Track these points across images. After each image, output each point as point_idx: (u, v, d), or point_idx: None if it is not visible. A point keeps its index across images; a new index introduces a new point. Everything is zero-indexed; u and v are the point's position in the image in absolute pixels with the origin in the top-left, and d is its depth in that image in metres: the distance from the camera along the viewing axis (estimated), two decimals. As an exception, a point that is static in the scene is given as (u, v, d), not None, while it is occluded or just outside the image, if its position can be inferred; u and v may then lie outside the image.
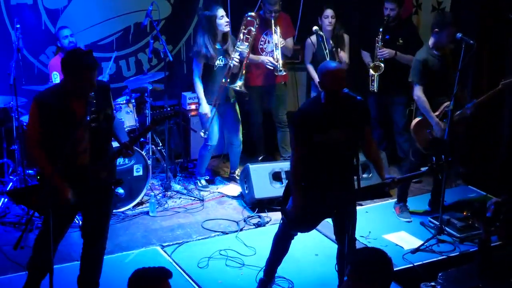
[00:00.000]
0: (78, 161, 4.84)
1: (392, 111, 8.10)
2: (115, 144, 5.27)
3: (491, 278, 4.76)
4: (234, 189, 7.72)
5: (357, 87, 7.56)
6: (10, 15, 7.42)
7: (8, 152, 7.29)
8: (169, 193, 7.55)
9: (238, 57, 7.31)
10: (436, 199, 6.94)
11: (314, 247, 6.30)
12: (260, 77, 7.90)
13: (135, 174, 7.14)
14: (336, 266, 5.36)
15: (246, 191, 7.31)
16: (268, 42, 7.88)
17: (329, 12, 7.76)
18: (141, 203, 7.24)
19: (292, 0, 8.88)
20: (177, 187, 7.72)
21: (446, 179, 6.67)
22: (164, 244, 6.45)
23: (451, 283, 5.45)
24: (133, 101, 7.52)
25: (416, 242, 6.47)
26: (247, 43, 7.41)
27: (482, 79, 7.99)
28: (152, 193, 7.33)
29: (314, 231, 6.18)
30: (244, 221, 6.97)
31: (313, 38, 7.83)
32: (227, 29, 7.28)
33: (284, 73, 7.84)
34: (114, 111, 7.08)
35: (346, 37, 8.02)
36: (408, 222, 6.93)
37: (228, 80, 7.35)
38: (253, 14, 7.46)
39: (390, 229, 6.78)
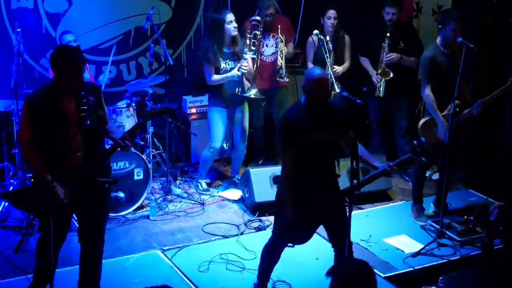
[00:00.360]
0: (71, 161, 4.84)
1: (394, 114, 8.10)
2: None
3: (493, 282, 4.76)
4: (234, 193, 7.72)
5: (356, 90, 7.59)
6: (11, 19, 7.43)
7: (9, 155, 7.29)
8: (169, 197, 7.55)
9: (246, 65, 7.29)
10: (440, 200, 6.91)
11: (315, 251, 6.29)
12: (264, 80, 7.89)
13: (135, 178, 7.14)
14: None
15: (247, 195, 7.31)
16: (266, 45, 7.89)
17: (331, 13, 7.78)
18: (141, 207, 7.24)
19: (292, 4, 8.90)
20: (177, 190, 7.71)
21: (448, 182, 6.68)
22: (165, 248, 6.45)
23: (452, 287, 5.44)
24: (134, 104, 7.52)
25: (416, 246, 6.47)
26: (254, 48, 7.40)
27: (482, 80, 8.00)
28: (153, 197, 7.33)
29: (314, 234, 6.18)
30: (245, 224, 6.97)
31: (315, 36, 7.84)
32: (235, 33, 7.28)
33: (288, 80, 7.84)
34: (115, 115, 7.17)
35: (347, 38, 8.03)
36: (424, 225, 6.92)
37: (239, 90, 7.35)
38: (258, 18, 7.45)
39: (391, 233, 6.78)
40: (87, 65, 7.60)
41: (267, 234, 6.49)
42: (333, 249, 5.38)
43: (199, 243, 6.59)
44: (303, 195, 5.06)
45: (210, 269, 6.09)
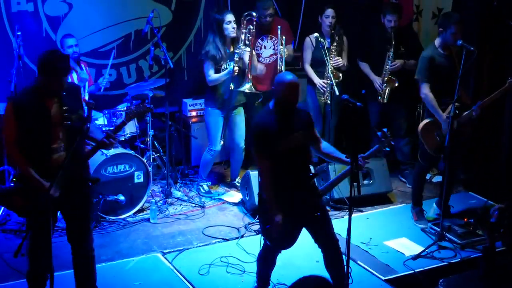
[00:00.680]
0: (54, 160, 4.90)
1: (394, 116, 8.10)
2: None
3: (495, 284, 4.76)
4: (235, 196, 7.72)
5: (355, 93, 7.59)
6: (11, 22, 7.43)
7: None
8: (170, 199, 7.55)
9: (237, 58, 7.30)
10: (443, 205, 6.91)
11: (315, 254, 6.25)
12: (262, 82, 7.89)
13: (136, 181, 7.14)
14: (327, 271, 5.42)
15: (247, 198, 7.31)
16: (264, 47, 7.89)
17: (330, 12, 7.78)
18: (142, 210, 7.24)
19: (292, 7, 8.90)
20: (178, 193, 7.72)
21: (450, 184, 6.68)
22: (165, 251, 6.45)
23: (452, 290, 5.46)
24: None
25: (417, 249, 6.46)
26: (248, 43, 7.41)
27: (482, 82, 8.00)
28: (153, 200, 7.33)
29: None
30: (245, 227, 6.97)
31: (312, 37, 7.84)
32: (233, 35, 7.30)
33: None
34: (115, 118, 7.16)
35: (345, 39, 8.04)
36: (425, 228, 6.92)
37: (233, 85, 7.35)
38: (252, 13, 7.44)
39: (391, 236, 6.77)
40: (87, 68, 7.64)
41: (261, 241, 6.51)
42: (320, 250, 5.38)
43: (200, 246, 6.59)
44: (282, 198, 5.08)
45: (210, 272, 6.09)
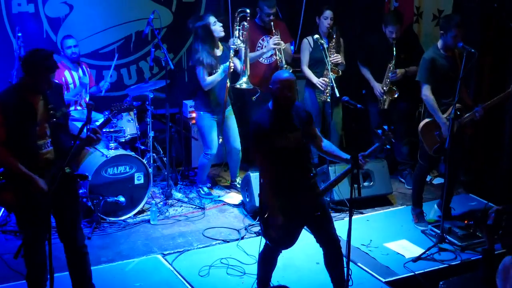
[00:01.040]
0: (42, 155, 4.93)
1: (395, 117, 8.10)
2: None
3: (495, 286, 4.75)
4: (235, 197, 7.72)
5: (356, 94, 7.61)
6: (12, 23, 7.44)
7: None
8: (170, 201, 7.55)
9: (232, 54, 7.29)
10: (445, 207, 6.91)
11: (315, 256, 6.26)
12: (261, 82, 7.90)
13: (136, 182, 7.14)
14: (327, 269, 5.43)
15: (247, 199, 7.31)
16: (265, 47, 7.88)
17: (328, 13, 7.79)
18: (142, 211, 7.24)
19: (293, 10, 8.91)
20: (178, 195, 7.72)
21: (451, 186, 6.68)
22: (165, 253, 6.44)
23: (452, 292, 5.46)
24: (134, 105, 7.51)
25: (417, 251, 6.46)
26: (242, 38, 7.41)
27: (483, 84, 8.00)
28: (153, 201, 7.33)
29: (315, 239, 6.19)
30: (245, 229, 6.97)
31: (310, 39, 7.85)
32: (222, 34, 7.34)
33: (290, 70, 7.80)
34: (115, 119, 7.17)
35: (341, 40, 8.04)
36: (425, 230, 6.92)
37: (228, 82, 7.35)
38: (246, 9, 7.43)
39: (391, 238, 6.77)
40: (88, 69, 7.65)
41: (261, 242, 6.51)
42: (321, 248, 5.38)
43: (200, 248, 6.59)
44: (282, 198, 5.08)
45: (210, 273, 6.09)
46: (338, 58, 7.77)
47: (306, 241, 5.52)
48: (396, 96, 7.82)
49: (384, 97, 7.87)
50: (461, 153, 6.87)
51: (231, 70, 7.26)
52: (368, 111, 8.10)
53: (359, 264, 6.22)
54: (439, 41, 6.74)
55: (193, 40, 7.44)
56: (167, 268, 6.16)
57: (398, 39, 7.73)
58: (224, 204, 7.62)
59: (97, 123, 6.65)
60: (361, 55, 8.12)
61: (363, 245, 6.58)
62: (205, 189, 7.81)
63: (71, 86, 7.35)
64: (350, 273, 5.17)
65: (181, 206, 7.51)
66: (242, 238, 6.78)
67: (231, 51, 7.27)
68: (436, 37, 7.05)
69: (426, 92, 6.66)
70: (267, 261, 5.48)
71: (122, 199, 6.99)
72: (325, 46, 7.68)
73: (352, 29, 8.36)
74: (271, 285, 5.62)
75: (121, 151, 7.12)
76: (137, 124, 7.56)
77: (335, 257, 5.31)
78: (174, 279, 5.98)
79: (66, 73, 7.36)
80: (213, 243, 6.70)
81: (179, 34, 8.41)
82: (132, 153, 7.24)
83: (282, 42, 7.68)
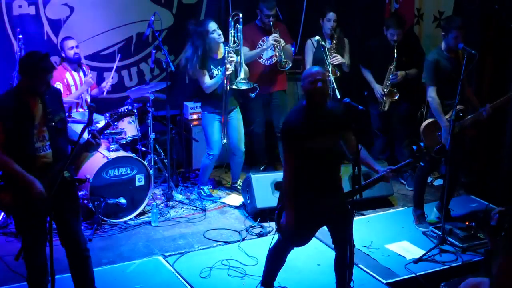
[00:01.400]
0: (39, 160, 4.93)
1: (395, 118, 8.10)
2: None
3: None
4: (236, 199, 7.72)
5: (357, 96, 7.61)
6: (13, 25, 7.44)
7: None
8: (171, 203, 7.55)
9: (231, 57, 7.27)
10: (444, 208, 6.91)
11: (316, 257, 6.29)
12: (262, 84, 7.90)
13: (137, 184, 7.14)
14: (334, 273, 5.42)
15: (248, 201, 7.31)
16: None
17: (331, 15, 7.82)
18: (143, 213, 7.24)
19: (294, 11, 8.91)
20: (179, 197, 7.72)
21: (451, 188, 6.67)
22: (166, 254, 6.44)
23: (453, 293, 5.45)
24: (135, 111, 7.52)
25: (418, 252, 6.46)
26: (237, 40, 7.39)
27: (484, 85, 8.00)
28: (154, 203, 7.33)
29: (316, 240, 6.19)
30: (246, 231, 6.96)
31: (314, 40, 7.86)
32: (221, 40, 7.33)
33: (290, 65, 7.81)
34: (116, 121, 7.15)
35: (346, 41, 8.05)
36: (426, 231, 6.91)
37: (228, 87, 7.36)
38: (239, 13, 7.41)
39: (392, 239, 6.77)
40: (89, 70, 7.65)
41: (268, 240, 6.49)
42: (335, 251, 5.37)
43: (201, 249, 6.59)
44: (306, 198, 5.06)
45: (211, 275, 6.08)
46: (337, 58, 7.78)
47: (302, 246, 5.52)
48: (396, 98, 7.82)
49: (385, 98, 7.87)
50: (462, 155, 6.87)
51: (229, 72, 7.26)
52: (369, 112, 8.10)
53: (360, 265, 6.21)
54: (442, 42, 6.75)
55: (187, 42, 7.43)
56: (168, 270, 6.16)
57: (399, 41, 7.73)
58: (225, 206, 7.62)
59: (98, 125, 6.68)
60: (362, 57, 8.13)
61: (364, 246, 6.58)
62: (206, 190, 7.81)
63: (73, 88, 7.35)
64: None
65: (182, 207, 7.51)
66: (243, 239, 6.77)
67: (231, 51, 7.27)
68: (437, 38, 7.07)
69: (432, 94, 6.67)
70: (276, 258, 5.47)
71: (123, 200, 6.99)
72: (326, 47, 7.70)
73: (352, 30, 8.36)
74: (275, 286, 5.63)
75: (122, 153, 7.12)
76: (138, 126, 7.56)
77: (343, 261, 5.24)
78: (175, 281, 5.98)
79: (67, 75, 7.35)
80: (214, 244, 6.69)
81: (180, 35, 8.40)
82: (133, 155, 7.24)
83: (281, 39, 7.69)
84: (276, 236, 5.37)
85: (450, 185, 6.75)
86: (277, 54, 7.71)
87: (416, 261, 6.30)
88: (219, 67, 7.36)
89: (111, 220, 6.99)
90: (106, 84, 7.61)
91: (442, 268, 6.23)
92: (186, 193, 7.89)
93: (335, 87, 7.53)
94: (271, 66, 7.94)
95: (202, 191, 7.80)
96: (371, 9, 8.76)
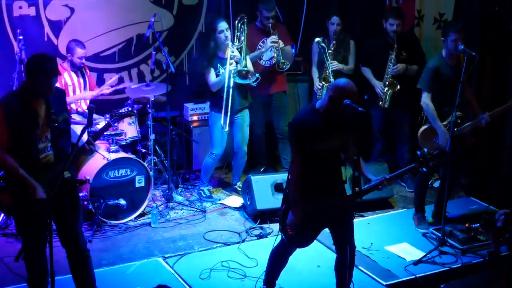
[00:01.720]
0: (41, 159, 4.93)
1: (397, 121, 8.10)
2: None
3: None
4: (236, 200, 7.72)
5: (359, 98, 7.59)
6: (13, 26, 7.45)
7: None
8: (171, 204, 7.55)
9: (236, 54, 7.31)
10: (439, 211, 6.93)
11: (316, 259, 6.29)
12: (262, 86, 7.91)
13: (137, 185, 7.14)
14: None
15: (248, 202, 7.30)
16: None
17: (335, 19, 7.84)
18: (143, 214, 7.24)
19: (294, 13, 8.92)
20: (179, 198, 7.71)
21: (449, 190, 6.67)
22: (166, 256, 6.44)
23: (453, 295, 5.45)
24: (135, 111, 7.52)
25: (418, 254, 6.45)
26: (239, 42, 7.43)
27: (484, 88, 8.00)
28: (154, 204, 7.32)
29: (316, 242, 6.18)
30: (246, 232, 6.96)
31: (315, 41, 7.86)
32: (226, 43, 7.32)
33: (288, 66, 7.80)
34: (116, 122, 7.16)
35: (352, 43, 8.06)
36: (426, 233, 6.91)
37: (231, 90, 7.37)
38: (244, 17, 7.46)
39: (392, 241, 6.76)
40: (89, 72, 7.65)
41: (268, 241, 6.52)
42: (336, 252, 5.37)
43: (201, 251, 6.59)
44: (310, 198, 5.06)
45: (211, 276, 6.09)
46: (334, 64, 7.78)
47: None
48: (398, 87, 7.73)
49: (385, 90, 7.82)
50: (461, 157, 6.87)
51: (231, 68, 7.26)
52: (371, 115, 8.09)
53: (360, 267, 6.21)
54: (443, 49, 6.75)
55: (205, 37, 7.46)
56: (168, 271, 6.16)
57: (400, 37, 7.72)
58: (225, 207, 7.62)
59: (98, 126, 6.68)
60: (362, 57, 8.13)
61: (364, 248, 6.57)
62: (206, 192, 7.80)
63: (70, 88, 7.32)
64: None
65: (182, 209, 7.51)
66: (243, 241, 6.77)
67: (236, 52, 7.29)
68: (437, 40, 7.06)
69: (426, 100, 6.67)
70: (279, 259, 5.47)
71: (123, 202, 6.98)
72: (327, 49, 7.70)
73: (352, 30, 8.36)
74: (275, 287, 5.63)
75: (122, 154, 7.12)
76: (138, 127, 7.56)
77: (344, 262, 5.24)
78: (175, 282, 5.97)
79: (66, 75, 7.33)
80: (214, 246, 6.69)
81: (180, 37, 8.42)
82: (133, 156, 7.24)
83: (280, 41, 7.69)
84: (279, 237, 5.37)
85: (449, 187, 6.73)
86: (275, 54, 7.72)
87: (416, 262, 6.30)
88: (226, 66, 7.37)
89: (111, 221, 6.99)
90: (110, 80, 7.60)
91: (442, 270, 6.23)
92: (186, 194, 7.89)
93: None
94: (271, 68, 7.94)
95: (202, 193, 7.80)
96: (371, 9, 8.76)
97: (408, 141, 8.07)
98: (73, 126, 6.74)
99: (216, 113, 7.51)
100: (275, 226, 6.91)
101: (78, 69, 7.42)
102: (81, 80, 7.45)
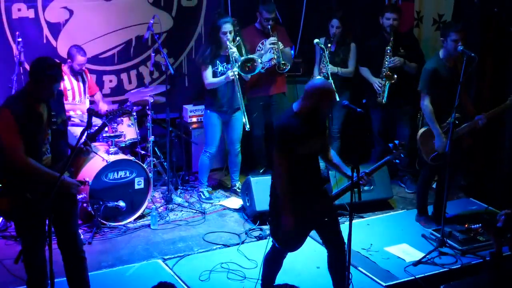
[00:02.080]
0: (42, 162, 4.92)
1: (397, 122, 8.09)
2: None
3: None
4: (235, 201, 7.72)
5: (358, 100, 7.60)
6: (12, 28, 7.45)
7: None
8: (170, 206, 7.55)
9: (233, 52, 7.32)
10: (438, 212, 6.93)
11: (316, 260, 6.28)
12: (261, 87, 7.90)
13: (136, 187, 7.14)
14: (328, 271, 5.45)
15: (248, 204, 7.30)
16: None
17: (335, 22, 7.85)
18: (142, 216, 7.24)
19: (293, 15, 8.92)
20: (178, 200, 7.71)
21: (448, 191, 6.67)
22: (166, 257, 6.44)
23: (453, 296, 5.45)
24: (135, 114, 7.53)
25: (418, 255, 6.45)
26: (234, 43, 7.43)
27: (484, 89, 8.00)
28: (154, 206, 7.33)
29: (315, 243, 6.20)
30: (246, 233, 6.96)
31: (315, 41, 7.87)
32: (226, 44, 7.31)
33: (288, 67, 7.80)
34: (116, 124, 7.17)
35: (353, 45, 8.06)
36: (432, 231, 6.91)
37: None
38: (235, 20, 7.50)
39: (392, 242, 6.76)
40: (89, 74, 7.65)
41: (268, 243, 6.52)
42: (326, 250, 5.40)
43: (200, 252, 6.59)
44: (296, 201, 5.08)
45: (211, 278, 6.09)
46: (329, 67, 7.77)
47: (307, 245, 5.51)
48: (395, 77, 7.69)
49: (383, 82, 7.80)
50: (459, 157, 6.87)
51: (231, 79, 7.28)
52: (370, 117, 8.09)
53: (359, 268, 6.21)
54: (441, 50, 6.74)
55: (207, 35, 7.49)
56: (167, 273, 6.16)
57: (398, 36, 7.73)
58: (224, 209, 7.62)
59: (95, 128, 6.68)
60: (361, 57, 8.12)
61: (364, 249, 6.57)
62: (206, 193, 7.81)
63: (69, 92, 7.32)
64: (350, 277, 5.18)
65: (181, 210, 7.51)
66: (243, 242, 6.77)
67: (235, 54, 7.31)
68: (436, 41, 7.05)
69: (426, 102, 6.67)
70: (272, 263, 5.48)
71: (122, 204, 6.98)
72: (325, 50, 7.71)
73: (352, 30, 8.37)
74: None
75: (121, 156, 7.12)
76: (137, 129, 7.56)
77: (337, 260, 5.32)
78: (175, 284, 5.95)
79: (65, 78, 7.33)
80: (213, 247, 6.69)
81: (179, 38, 8.42)
82: (133, 158, 7.24)
83: (280, 42, 7.70)
84: (270, 242, 5.38)
85: (448, 188, 6.73)
86: (275, 56, 7.72)
87: (416, 263, 6.30)
88: (225, 63, 7.39)
89: (111, 223, 6.99)
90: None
91: (441, 270, 6.23)
92: (186, 196, 7.89)
93: (334, 90, 7.52)
94: (270, 69, 7.93)
95: (201, 194, 7.80)
96: (371, 9, 8.75)
97: (408, 142, 8.06)
98: (71, 128, 6.80)
99: (211, 112, 7.53)
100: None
101: (78, 73, 7.41)
102: (81, 85, 7.44)
